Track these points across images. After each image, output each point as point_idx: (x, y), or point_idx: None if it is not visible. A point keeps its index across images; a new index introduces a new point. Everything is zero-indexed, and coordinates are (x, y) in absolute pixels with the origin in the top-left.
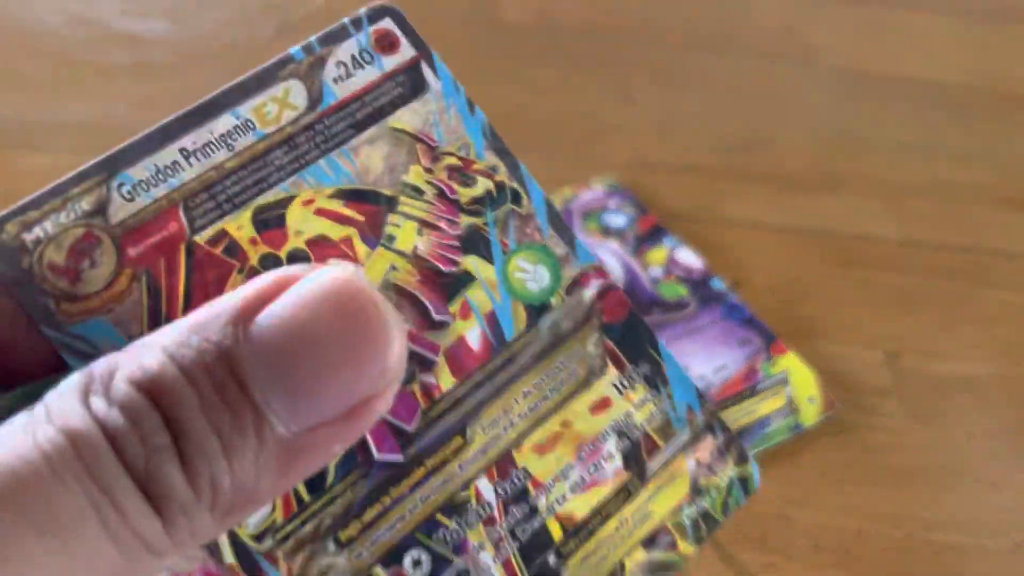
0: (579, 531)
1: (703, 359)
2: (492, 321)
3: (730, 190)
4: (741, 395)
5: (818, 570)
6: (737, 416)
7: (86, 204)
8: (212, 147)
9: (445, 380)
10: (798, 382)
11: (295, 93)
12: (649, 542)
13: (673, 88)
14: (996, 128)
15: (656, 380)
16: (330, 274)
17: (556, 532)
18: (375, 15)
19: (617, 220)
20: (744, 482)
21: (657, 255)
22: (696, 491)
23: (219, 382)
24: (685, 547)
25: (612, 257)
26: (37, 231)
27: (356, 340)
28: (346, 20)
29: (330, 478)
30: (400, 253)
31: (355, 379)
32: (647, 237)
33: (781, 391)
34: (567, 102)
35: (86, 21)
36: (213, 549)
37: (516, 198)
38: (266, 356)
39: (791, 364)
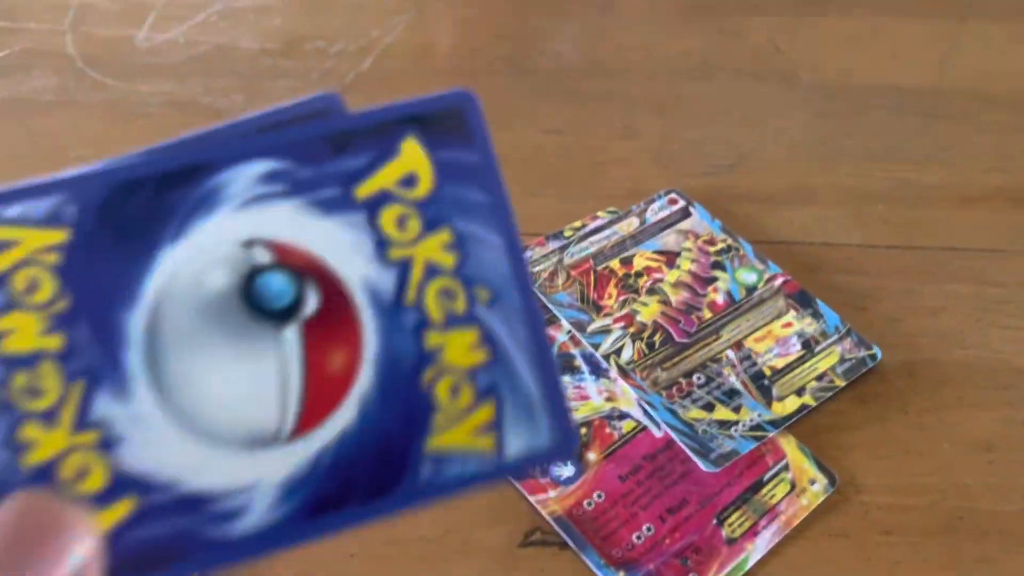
0: (780, 372)
1: None
2: (728, 293)
3: (716, 210)
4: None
5: None
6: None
7: (555, 258)
8: (604, 239)
9: (706, 314)
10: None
11: (634, 222)
12: (818, 378)
13: (669, 117)
14: (957, 129)
15: (817, 316)
16: (15, 498)
17: (767, 371)
18: (668, 192)
19: None
20: (872, 357)
21: None
22: (843, 360)
23: None
24: (839, 381)
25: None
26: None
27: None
28: (656, 195)
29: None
30: (683, 271)
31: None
32: None
33: (784, 477)
34: (577, 139)
35: (177, 102)
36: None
37: (736, 249)
38: None
39: (789, 449)
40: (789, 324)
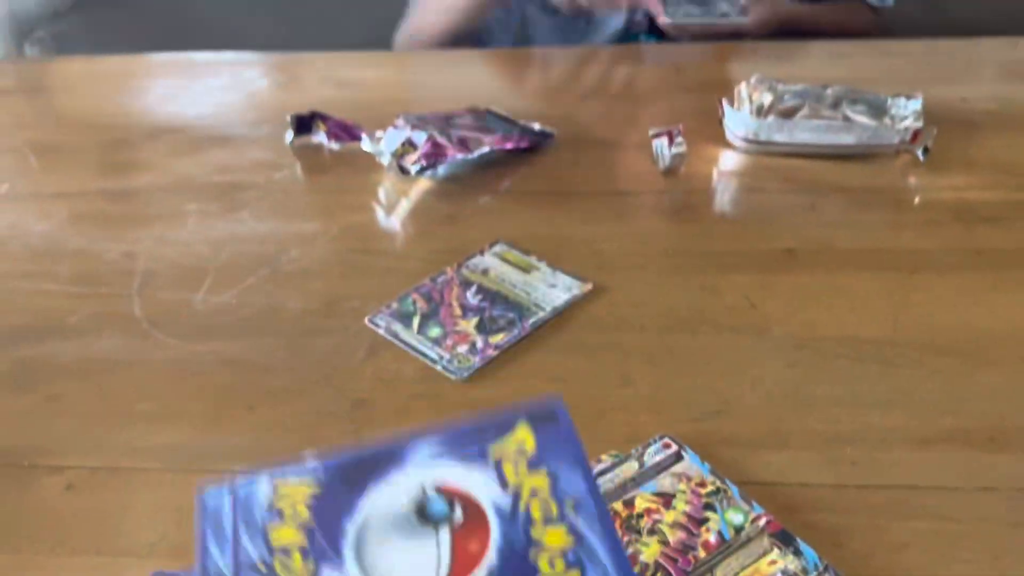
0: None
1: None
2: (719, 533)
3: (704, 454)
4: None
5: None
6: None
7: None
8: (609, 482)
9: (701, 553)
10: None
11: (633, 465)
12: None
13: (660, 368)
14: (912, 375)
15: (798, 554)
16: None
17: None
18: (661, 438)
19: None
20: None
21: None
22: None
23: None
24: None
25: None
26: None
27: None
28: (651, 439)
29: None
30: (679, 512)
31: None
32: None
33: None
34: (579, 389)
35: (229, 360)
36: None
37: (724, 491)
38: None
39: None
40: (774, 562)
